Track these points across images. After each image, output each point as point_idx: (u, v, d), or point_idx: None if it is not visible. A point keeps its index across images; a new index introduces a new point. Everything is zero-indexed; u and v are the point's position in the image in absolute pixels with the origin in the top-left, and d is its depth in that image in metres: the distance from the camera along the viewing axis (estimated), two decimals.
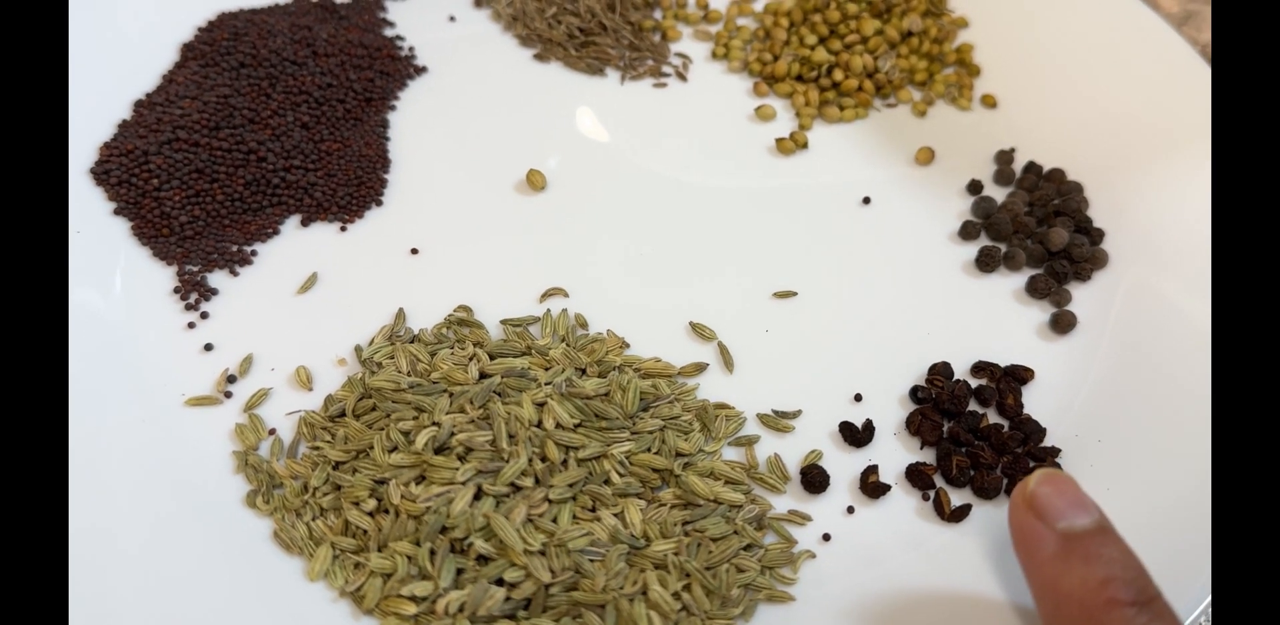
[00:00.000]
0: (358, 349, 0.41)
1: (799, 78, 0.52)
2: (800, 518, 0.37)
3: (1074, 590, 0.29)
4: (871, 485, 0.37)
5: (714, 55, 0.53)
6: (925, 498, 0.38)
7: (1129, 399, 0.40)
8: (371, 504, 0.36)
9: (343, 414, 0.39)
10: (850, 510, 0.37)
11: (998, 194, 0.47)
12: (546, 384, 0.38)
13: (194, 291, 0.42)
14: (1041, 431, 0.39)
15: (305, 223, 0.45)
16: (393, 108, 0.50)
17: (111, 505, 0.36)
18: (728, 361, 0.41)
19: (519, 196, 0.47)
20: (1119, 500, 0.37)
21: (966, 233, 0.45)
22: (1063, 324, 0.42)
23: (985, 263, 0.44)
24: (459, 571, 0.34)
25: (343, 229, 0.45)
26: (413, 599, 0.33)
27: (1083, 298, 0.43)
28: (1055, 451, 0.38)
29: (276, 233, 0.45)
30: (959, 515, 0.37)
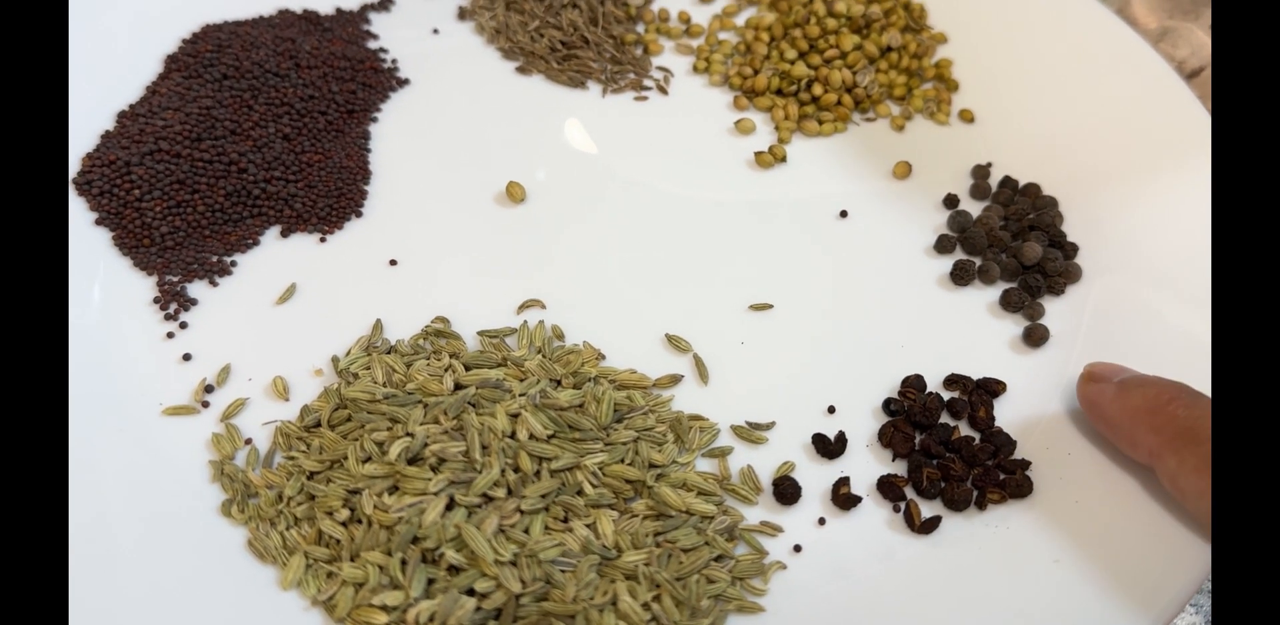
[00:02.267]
0: (334, 360, 0.41)
1: (779, 92, 0.52)
2: (771, 529, 0.37)
3: (1140, 403, 0.35)
4: (843, 497, 0.38)
5: (695, 69, 0.54)
6: (896, 509, 0.38)
7: None
8: (345, 514, 0.36)
9: (318, 424, 0.39)
10: (821, 521, 0.38)
11: (974, 208, 0.48)
12: (521, 395, 0.38)
13: (174, 302, 0.43)
14: (1012, 444, 0.39)
15: (285, 234, 0.45)
16: (374, 120, 0.50)
17: (87, 513, 0.36)
18: (703, 373, 0.42)
19: (498, 208, 0.47)
20: (1087, 513, 0.37)
21: (942, 246, 0.46)
22: (1035, 337, 0.42)
23: (960, 276, 0.45)
24: (430, 581, 0.34)
25: (322, 240, 0.45)
26: (384, 608, 0.34)
27: (1055, 311, 0.44)
28: (1026, 464, 0.38)
29: (256, 243, 0.45)
30: (929, 527, 0.37)
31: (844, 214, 0.47)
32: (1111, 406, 0.36)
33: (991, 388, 0.41)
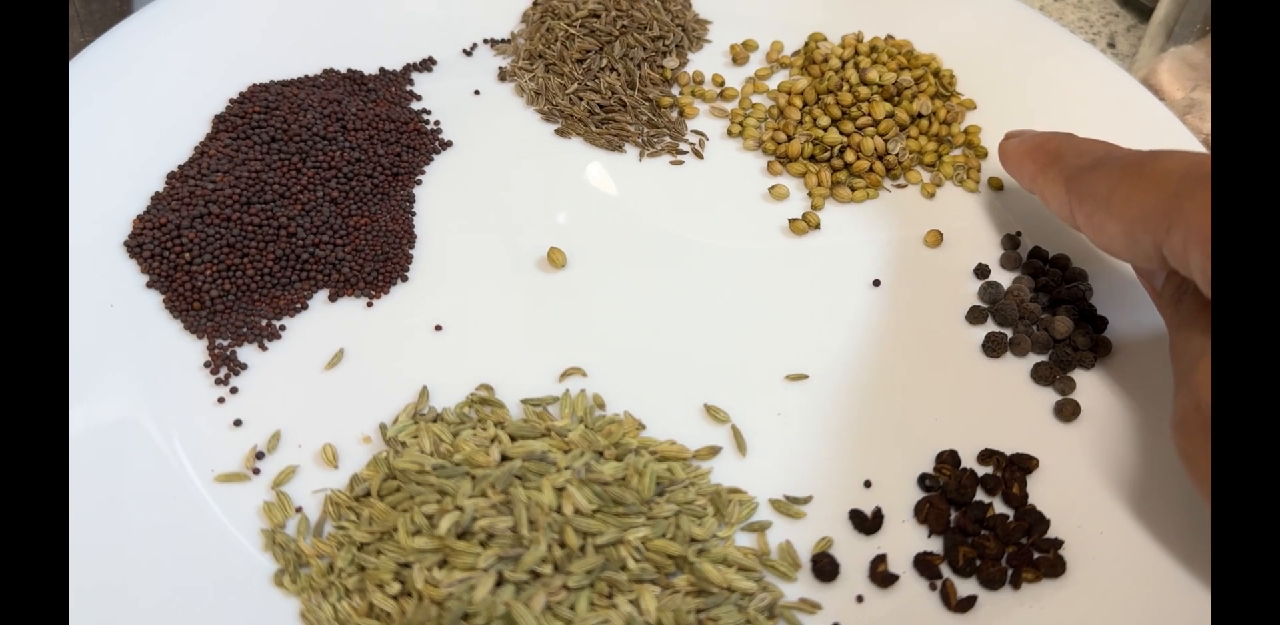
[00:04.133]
0: (382, 427, 0.42)
1: (811, 158, 0.53)
2: (810, 606, 0.38)
3: (1030, 146, 0.45)
4: (881, 574, 0.39)
5: (729, 133, 0.55)
6: (933, 587, 0.39)
7: (1131, 489, 0.41)
8: (396, 587, 0.37)
9: (368, 494, 0.40)
10: (860, 599, 0.39)
11: (1004, 277, 0.49)
12: (566, 468, 0.39)
13: (224, 366, 0.44)
14: (1045, 522, 0.40)
15: (333, 298, 0.46)
16: (418, 182, 0.51)
17: (141, 582, 0.37)
18: (741, 445, 0.43)
19: (539, 273, 0.48)
20: (1120, 592, 0.38)
21: (974, 317, 0.47)
22: (1066, 412, 0.43)
23: (991, 348, 0.45)
24: None
25: (369, 304, 0.46)
26: None
27: (1087, 385, 0.45)
28: (1059, 543, 0.39)
29: (305, 307, 0.46)
30: (965, 606, 0.38)
31: (877, 283, 0.48)
32: (1013, 153, 0.46)
33: (1024, 464, 0.42)
